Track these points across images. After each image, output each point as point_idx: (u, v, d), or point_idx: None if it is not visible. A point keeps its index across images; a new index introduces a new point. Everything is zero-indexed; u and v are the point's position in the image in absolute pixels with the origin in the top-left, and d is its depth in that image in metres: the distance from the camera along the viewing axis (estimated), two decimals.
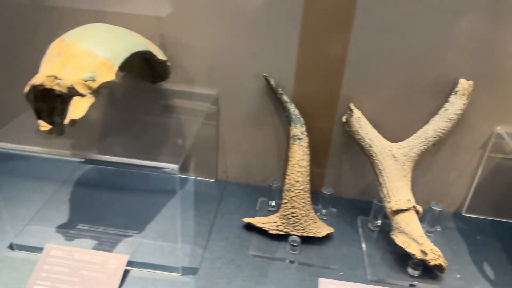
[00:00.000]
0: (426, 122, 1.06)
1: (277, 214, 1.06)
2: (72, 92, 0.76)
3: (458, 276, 0.99)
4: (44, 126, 0.81)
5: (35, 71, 0.81)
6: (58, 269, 0.90)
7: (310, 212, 1.04)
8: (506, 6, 0.95)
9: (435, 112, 1.06)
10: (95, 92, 0.78)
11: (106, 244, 1.00)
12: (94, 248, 0.98)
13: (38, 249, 0.95)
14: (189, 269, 0.96)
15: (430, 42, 1.00)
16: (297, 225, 1.04)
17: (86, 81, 0.76)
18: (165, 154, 0.90)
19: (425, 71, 1.04)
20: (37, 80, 0.76)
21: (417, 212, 0.99)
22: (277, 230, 1.05)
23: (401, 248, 0.98)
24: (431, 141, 1.03)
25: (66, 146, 0.87)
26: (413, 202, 0.99)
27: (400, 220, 0.99)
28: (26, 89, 0.78)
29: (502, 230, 1.17)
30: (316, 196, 1.13)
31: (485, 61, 1.01)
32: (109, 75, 0.79)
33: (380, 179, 1.03)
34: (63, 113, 0.85)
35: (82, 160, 0.83)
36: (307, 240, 1.04)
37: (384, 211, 1.04)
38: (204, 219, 1.12)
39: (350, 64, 1.05)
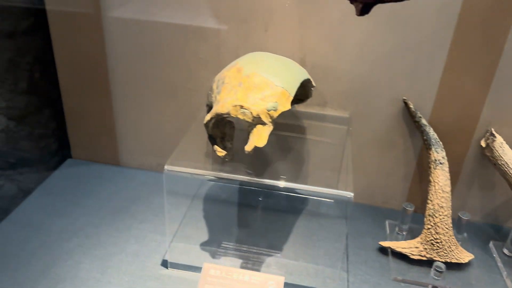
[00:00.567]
0: None
1: (418, 239, 1.05)
2: (255, 121, 0.79)
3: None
4: (220, 151, 0.85)
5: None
6: None
7: (453, 238, 1.03)
8: None
9: None
10: (274, 120, 0.81)
11: (255, 264, 1.02)
12: (242, 267, 1.00)
13: (191, 267, 0.99)
14: None
15: None
16: (441, 251, 1.02)
17: (269, 110, 0.79)
18: (325, 177, 0.91)
19: None
20: (223, 109, 0.79)
21: None
22: (419, 255, 1.04)
23: None
24: None
25: (231, 170, 0.90)
26: None
27: None
28: (208, 116, 0.82)
29: None
30: None
31: None
32: (287, 104, 0.81)
33: None
34: (232, 139, 0.89)
35: (256, 185, 0.86)
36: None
37: None
38: (337, 241, 1.13)
39: (494, 88, 1.04)
